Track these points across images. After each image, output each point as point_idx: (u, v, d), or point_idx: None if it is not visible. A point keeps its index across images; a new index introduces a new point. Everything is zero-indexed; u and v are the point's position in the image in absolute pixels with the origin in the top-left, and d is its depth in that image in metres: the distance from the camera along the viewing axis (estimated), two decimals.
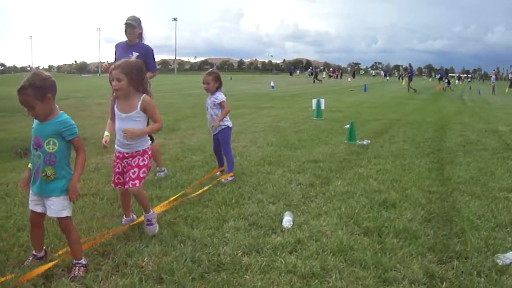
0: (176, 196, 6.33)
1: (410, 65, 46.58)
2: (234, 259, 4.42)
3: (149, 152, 5.06)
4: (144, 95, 4.89)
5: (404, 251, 4.65)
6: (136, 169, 4.91)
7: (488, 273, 4.24)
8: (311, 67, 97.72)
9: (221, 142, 7.64)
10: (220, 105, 7.42)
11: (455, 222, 5.52)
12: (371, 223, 5.44)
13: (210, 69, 7.79)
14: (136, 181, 4.88)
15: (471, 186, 7.26)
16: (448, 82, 54.63)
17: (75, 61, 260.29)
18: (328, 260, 4.40)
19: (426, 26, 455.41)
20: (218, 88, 7.43)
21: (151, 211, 5.11)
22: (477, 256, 4.56)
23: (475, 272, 4.23)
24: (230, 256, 4.49)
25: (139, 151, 4.97)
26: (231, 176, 7.46)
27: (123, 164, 5.01)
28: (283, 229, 5.24)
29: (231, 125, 7.62)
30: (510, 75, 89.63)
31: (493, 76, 52.27)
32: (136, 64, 4.82)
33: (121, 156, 5.01)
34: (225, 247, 4.69)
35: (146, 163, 4.99)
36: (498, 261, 4.47)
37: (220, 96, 7.41)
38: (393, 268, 4.28)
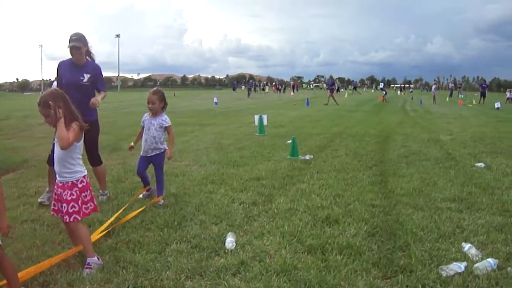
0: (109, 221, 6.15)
1: (331, 77, 47.45)
2: (177, 284, 4.35)
3: (80, 185, 4.82)
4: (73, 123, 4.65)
5: (349, 268, 4.66)
6: (65, 204, 4.73)
7: (433, 285, 4.31)
8: (249, 82, 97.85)
9: (155, 166, 7.44)
10: (167, 129, 7.30)
11: (399, 236, 5.59)
12: (315, 240, 5.44)
13: (155, 88, 7.60)
14: (66, 216, 4.74)
15: (414, 197, 7.41)
16: (385, 92, 56.22)
17: (17, 79, 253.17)
18: (272, 281, 4.37)
19: (367, 38, 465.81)
20: (163, 108, 7.31)
21: (94, 256, 4.84)
22: (422, 269, 4.62)
23: (420, 286, 4.29)
24: (173, 280, 4.42)
25: (68, 183, 4.76)
26: (163, 199, 7.32)
27: (57, 192, 4.85)
28: (226, 251, 5.19)
29: (167, 148, 7.47)
30: (450, 85, 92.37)
31: (434, 86, 53.70)
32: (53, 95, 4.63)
33: (57, 182, 4.87)
34: (167, 272, 4.61)
35: (74, 197, 4.76)
36: (442, 273, 4.53)
37: (168, 120, 7.28)
38: (338, 286, 4.29)
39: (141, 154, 7.50)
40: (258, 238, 5.61)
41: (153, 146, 7.30)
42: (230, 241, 5.40)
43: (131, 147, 7.53)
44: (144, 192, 7.64)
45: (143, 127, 7.39)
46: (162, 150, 7.36)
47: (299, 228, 5.87)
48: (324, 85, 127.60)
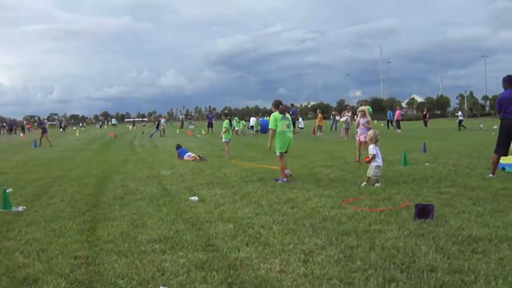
0: None
1: (39, 118, 45.54)
2: None
3: None
4: None
5: None
6: None
7: None
8: None
9: None
10: None
11: None
12: None
13: None
14: None
15: (120, 243, 7.19)
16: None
17: None
18: None
19: (101, 73, 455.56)
20: None
21: None
22: None
23: None
24: None
25: None
26: None
27: None
28: None
29: None
30: (180, 116, 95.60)
31: (163, 120, 54.96)
32: None
33: None
34: None
35: None
36: None
37: None
38: None
39: None
40: None
41: None
42: None
43: None
44: None
45: None
46: None
47: None
48: (58, 123, 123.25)
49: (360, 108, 19.02)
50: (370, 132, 12.45)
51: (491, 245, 6.43)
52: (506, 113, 12.09)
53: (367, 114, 17.57)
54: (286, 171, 13.40)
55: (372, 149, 11.84)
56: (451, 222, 7.74)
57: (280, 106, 13.53)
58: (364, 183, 11.76)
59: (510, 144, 12.47)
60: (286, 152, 13.43)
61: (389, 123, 51.74)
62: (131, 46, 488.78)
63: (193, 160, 19.81)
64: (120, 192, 11.91)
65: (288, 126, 13.31)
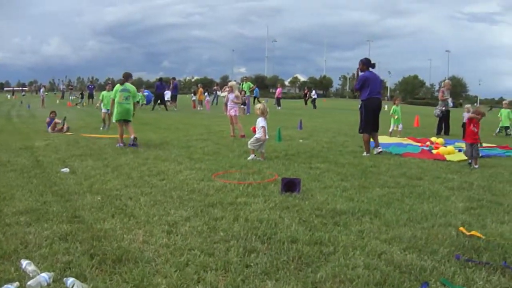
0: None
1: None
2: None
3: None
4: None
5: None
6: None
7: None
8: None
9: None
10: None
11: None
12: None
13: None
14: None
15: None
16: None
17: None
18: None
19: None
20: None
21: None
22: None
23: None
24: None
25: None
26: None
27: None
28: None
29: None
30: (61, 87, 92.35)
31: (42, 89, 53.18)
32: None
33: None
34: None
35: None
36: None
37: None
38: None
39: None
40: None
41: None
42: None
43: None
44: None
45: None
46: None
47: None
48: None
49: (229, 84, 19.46)
50: (260, 105, 12.62)
51: (353, 218, 6.79)
52: (371, 93, 12.70)
53: (235, 90, 17.93)
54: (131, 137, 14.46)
55: (261, 121, 12.02)
56: (317, 196, 8.05)
57: (129, 78, 14.88)
58: (251, 156, 11.99)
59: (374, 122, 13.10)
60: (127, 121, 14.65)
61: (256, 99, 51.96)
62: (15, 8, 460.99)
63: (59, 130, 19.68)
64: None
65: (126, 98, 14.45)
